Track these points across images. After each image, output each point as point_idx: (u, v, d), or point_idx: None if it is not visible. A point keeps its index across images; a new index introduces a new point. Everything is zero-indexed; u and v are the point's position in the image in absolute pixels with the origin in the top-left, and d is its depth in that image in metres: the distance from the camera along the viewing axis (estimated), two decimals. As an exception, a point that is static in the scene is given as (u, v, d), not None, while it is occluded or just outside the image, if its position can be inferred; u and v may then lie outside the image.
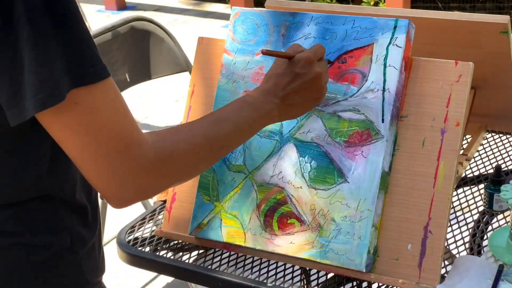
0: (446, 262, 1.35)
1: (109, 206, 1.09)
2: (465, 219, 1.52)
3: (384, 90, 1.31)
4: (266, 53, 1.23)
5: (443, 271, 1.29)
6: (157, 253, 1.44)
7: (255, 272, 1.37)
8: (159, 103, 4.43)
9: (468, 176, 1.66)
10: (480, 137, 1.65)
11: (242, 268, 1.38)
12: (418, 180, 1.29)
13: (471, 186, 1.61)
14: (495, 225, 1.48)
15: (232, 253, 1.41)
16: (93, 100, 0.94)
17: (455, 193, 1.56)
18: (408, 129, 1.31)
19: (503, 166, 1.67)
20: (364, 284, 1.34)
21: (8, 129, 0.94)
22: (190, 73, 2.15)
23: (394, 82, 1.30)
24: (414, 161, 1.30)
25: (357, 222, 1.29)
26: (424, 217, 1.27)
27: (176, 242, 1.47)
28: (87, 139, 0.95)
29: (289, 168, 1.36)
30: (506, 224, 1.45)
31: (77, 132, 0.95)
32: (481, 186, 1.57)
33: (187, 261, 1.42)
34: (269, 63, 1.26)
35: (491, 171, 1.64)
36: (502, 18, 1.38)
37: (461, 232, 1.45)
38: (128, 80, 2.51)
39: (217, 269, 1.38)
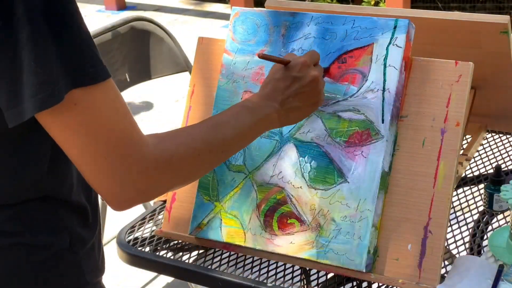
0: (446, 262, 1.35)
1: (109, 206, 1.08)
2: (465, 219, 1.52)
3: (384, 90, 1.31)
4: (262, 57, 1.23)
5: (443, 271, 1.29)
6: (157, 253, 1.44)
7: (255, 272, 1.37)
8: (159, 103, 4.43)
9: (468, 176, 1.66)
10: (480, 137, 1.65)
11: (242, 268, 1.38)
12: (418, 180, 1.29)
13: (471, 186, 1.61)
14: (495, 225, 1.48)
15: (232, 253, 1.41)
16: (93, 100, 0.94)
17: (455, 193, 1.56)
18: (408, 129, 1.31)
19: (503, 166, 1.67)
20: (364, 284, 1.34)
21: (8, 129, 0.94)
22: (190, 73, 2.15)
23: (394, 82, 1.30)
24: (414, 161, 1.30)
25: (357, 222, 1.29)
26: (424, 217, 1.27)
27: (176, 242, 1.47)
28: (87, 140, 0.95)
29: (289, 168, 1.36)
30: (506, 224, 1.45)
31: (77, 133, 0.94)
32: (481, 186, 1.57)
33: (187, 261, 1.42)
34: (269, 63, 1.26)
35: (491, 171, 1.64)
36: (502, 18, 1.38)
37: (461, 232, 1.45)
38: (128, 80, 2.51)
39: (217, 269, 1.38)
